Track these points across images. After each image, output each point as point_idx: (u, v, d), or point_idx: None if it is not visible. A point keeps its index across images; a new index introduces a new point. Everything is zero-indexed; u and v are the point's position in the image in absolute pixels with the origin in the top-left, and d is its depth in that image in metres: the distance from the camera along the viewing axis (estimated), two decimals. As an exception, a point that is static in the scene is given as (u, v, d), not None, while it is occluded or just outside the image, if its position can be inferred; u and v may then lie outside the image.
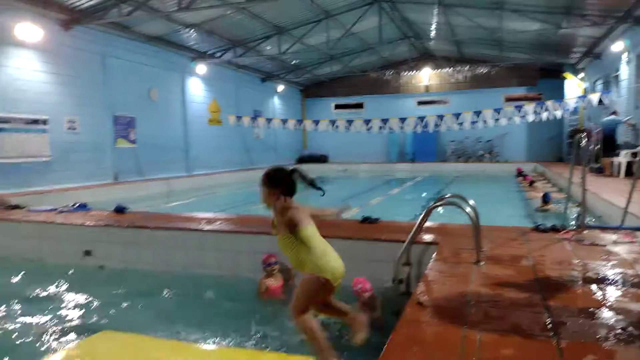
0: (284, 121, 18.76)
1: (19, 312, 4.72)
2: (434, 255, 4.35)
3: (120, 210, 7.31)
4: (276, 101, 24.81)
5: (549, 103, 16.40)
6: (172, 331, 4.10)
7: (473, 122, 16.46)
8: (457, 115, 16.43)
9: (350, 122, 17.57)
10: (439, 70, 24.72)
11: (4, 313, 4.69)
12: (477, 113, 16.20)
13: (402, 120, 16.75)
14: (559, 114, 16.75)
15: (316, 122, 18.04)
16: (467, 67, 23.94)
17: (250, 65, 21.03)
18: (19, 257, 6.56)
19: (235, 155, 20.65)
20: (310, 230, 2.87)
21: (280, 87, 24.59)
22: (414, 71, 25.33)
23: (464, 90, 24.59)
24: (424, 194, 14.40)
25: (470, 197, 4.22)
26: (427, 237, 5.00)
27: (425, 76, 25.45)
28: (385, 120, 16.94)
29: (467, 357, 2.24)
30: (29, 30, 11.39)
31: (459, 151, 24.63)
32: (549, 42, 17.15)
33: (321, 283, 2.68)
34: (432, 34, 19.64)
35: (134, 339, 3.99)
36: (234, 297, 4.97)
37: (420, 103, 25.56)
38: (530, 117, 16.84)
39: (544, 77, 22.68)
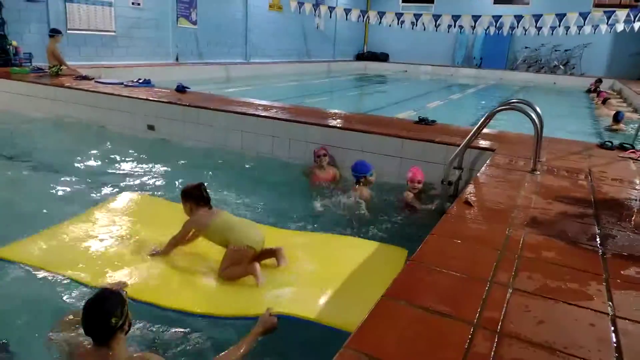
0: (347, 11, 17.78)
1: (80, 166, 5.21)
2: (488, 160, 4.28)
3: (181, 89, 7.52)
4: (341, -11, 23.37)
5: (647, 11, 14.50)
6: (225, 204, 4.41)
7: (553, 28, 14.98)
8: (537, 18, 14.93)
9: (418, 17, 16.40)
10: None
11: (64, 165, 5.17)
12: (560, 17, 14.63)
13: (476, 19, 15.46)
14: (655, 24, 14.87)
15: (381, 15, 16.97)
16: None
17: (316, -54, 19.57)
18: (87, 124, 7.05)
19: (293, 45, 20.17)
20: (217, 222, 3.18)
21: (346, -26, 23.00)
22: (496, -36, 22.77)
23: (550, -11, 22.04)
24: (485, 102, 13.78)
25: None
26: (484, 143, 4.89)
27: (508, -30, 22.85)
28: (456, 18, 15.69)
29: (509, 253, 2.30)
30: None
31: (532, 59, 22.79)
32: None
33: (242, 250, 3.06)
34: None
35: (153, 201, 4.35)
36: (283, 179, 5.19)
37: (498, 1, 23.31)
38: (620, 27, 15.06)
39: (647, -20, 19.82)
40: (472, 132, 4.19)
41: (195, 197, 3.27)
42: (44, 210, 4.08)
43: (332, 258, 3.31)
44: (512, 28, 15.41)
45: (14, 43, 9.62)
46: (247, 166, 5.65)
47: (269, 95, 11.36)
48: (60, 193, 4.53)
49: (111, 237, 3.52)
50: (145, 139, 6.53)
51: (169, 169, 5.44)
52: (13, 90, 7.95)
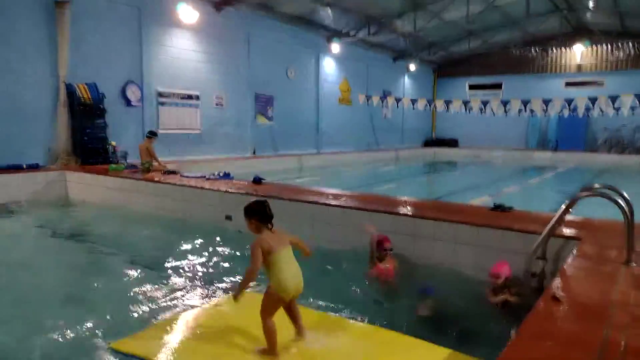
0: (414, 101, 18.36)
1: (169, 263, 5.44)
2: (574, 250, 3.99)
3: (257, 180, 7.94)
4: (406, 81, 24.38)
5: None
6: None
7: (633, 108, 14.39)
8: (614, 99, 14.48)
9: (485, 103, 16.53)
10: (595, 46, 21.92)
11: (154, 262, 5.44)
12: (639, 97, 14.09)
13: (547, 102, 15.28)
14: None
15: (448, 103, 17.32)
16: (631, 43, 20.84)
17: (382, 43, 20.87)
18: (172, 216, 7.53)
19: (362, 135, 20.90)
20: (282, 253, 3.28)
21: (412, 66, 24.04)
22: (564, 48, 22.83)
23: (624, 70, 21.55)
24: (565, 187, 13.12)
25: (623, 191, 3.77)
26: (568, 231, 4.59)
27: (577, 54, 22.78)
28: (526, 102, 15.61)
29: (609, 356, 2.06)
30: (188, 12, 12.71)
31: (613, 140, 21.75)
32: None
33: (276, 297, 3.22)
34: (591, 4, 17.42)
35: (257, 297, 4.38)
36: (354, 273, 5.08)
37: (569, 84, 23.04)
38: None
39: None
40: (554, 219, 3.97)
41: (261, 214, 3.32)
42: (150, 305, 4.22)
43: None
44: (587, 110, 15.01)
45: (113, 143, 10.83)
46: (318, 255, 5.66)
47: (338, 183, 11.65)
48: (157, 287, 4.70)
49: (219, 335, 3.55)
50: (224, 229, 6.83)
51: (241, 260, 5.56)
52: (110, 185, 8.81)
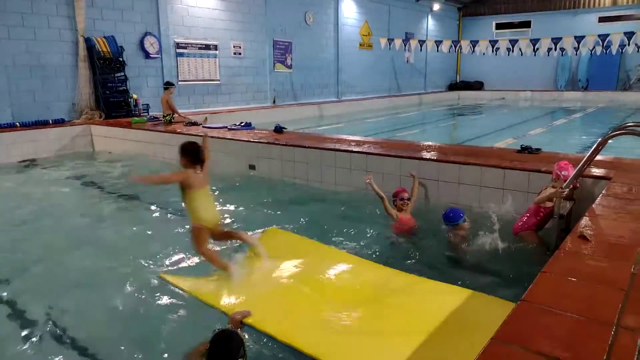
0: (438, 43, 17.69)
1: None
2: (603, 190, 3.91)
3: (279, 130, 7.91)
4: (430, 22, 23.39)
5: None
6: (317, 236, 4.53)
7: (673, 42, 13.58)
8: (652, 33, 13.65)
9: (513, 43, 15.81)
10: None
11: (181, 210, 5.55)
12: (681, 29, 13.24)
13: (579, 39, 14.52)
14: None
15: (474, 44, 16.64)
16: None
17: (404, -17, 19.95)
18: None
19: (384, 81, 20.42)
20: (200, 193, 3.74)
21: (436, 6, 22.95)
22: (599, -20, 21.39)
23: (666, 1, 20.13)
24: (595, 128, 12.70)
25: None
26: (598, 171, 4.49)
27: (614, -14, 21.33)
28: (557, 41, 14.86)
29: (637, 293, 2.05)
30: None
31: (648, 78, 20.74)
32: None
33: (199, 227, 3.68)
34: None
35: (292, 237, 4.57)
36: (376, 214, 5.11)
37: (603, 19, 21.73)
38: None
39: None
40: (584, 160, 3.86)
41: (193, 156, 3.73)
42: (182, 249, 4.40)
43: (426, 305, 3.19)
44: (621, 46, 14.24)
45: (134, 96, 10.88)
46: (340, 200, 5.72)
47: (360, 130, 11.54)
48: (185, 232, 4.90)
49: (250, 272, 3.82)
50: (248, 177, 6.92)
51: (265, 205, 5.67)
52: (134, 138, 8.93)
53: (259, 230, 4.69)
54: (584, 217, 3.16)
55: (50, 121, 9.43)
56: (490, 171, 4.97)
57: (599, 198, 3.67)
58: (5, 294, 3.58)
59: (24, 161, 8.40)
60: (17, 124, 8.91)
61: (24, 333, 3.01)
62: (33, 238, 4.80)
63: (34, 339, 2.94)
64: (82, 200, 6.47)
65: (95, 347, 2.86)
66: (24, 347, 2.88)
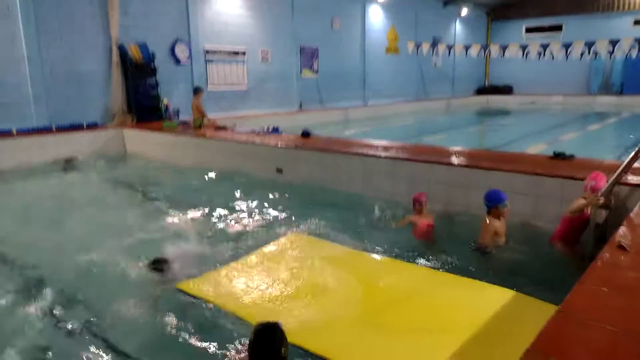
0: (467, 47, 17.47)
1: (223, 213, 5.64)
2: (642, 198, 3.79)
3: (306, 134, 7.95)
4: (458, 27, 23.15)
5: None
6: (344, 240, 4.53)
7: None
8: (692, 35, 13.15)
9: (545, 46, 15.47)
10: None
11: (210, 212, 5.65)
12: None
13: (614, 43, 14.10)
14: None
15: (504, 48, 16.36)
16: None
17: (432, -13, 19.80)
18: (225, 169, 7.75)
19: (410, 86, 20.28)
20: None
21: (464, 11, 22.69)
22: (635, -18, 20.75)
23: None
24: (631, 133, 12.30)
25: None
26: (635, 179, 4.34)
27: (650, -13, 20.67)
28: (590, 44, 14.47)
29: (680, 308, 1.98)
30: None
31: (688, 81, 19.96)
32: None
33: None
34: None
35: (316, 242, 4.56)
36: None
37: (639, 22, 21.07)
38: None
39: None
40: (621, 167, 3.76)
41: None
42: (213, 249, 4.48)
43: (465, 303, 3.15)
44: (660, 49, 13.75)
45: (165, 101, 11.11)
46: (367, 205, 5.70)
47: (387, 135, 11.48)
48: (216, 233, 4.97)
49: (272, 278, 3.75)
50: (275, 180, 6.97)
51: (293, 209, 5.69)
52: (164, 142, 9.12)
53: (282, 236, 4.71)
54: (622, 226, 3.07)
55: (85, 125, 9.72)
56: (522, 178, 4.87)
57: (637, 207, 3.56)
58: (42, 286, 3.69)
59: (59, 162, 8.67)
60: (54, 127, 9.22)
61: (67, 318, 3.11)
62: (67, 233, 4.97)
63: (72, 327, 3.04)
64: (113, 200, 6.64)
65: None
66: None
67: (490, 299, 3.17)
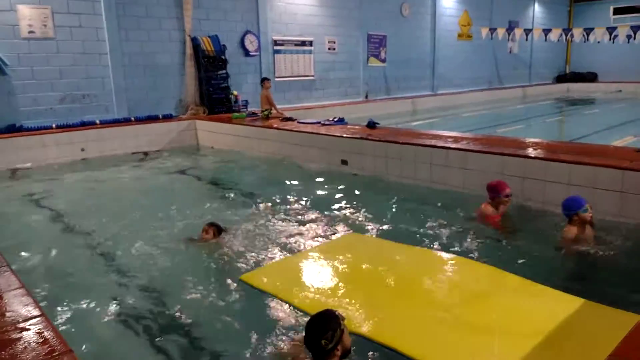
0: (546, 31, 16.37)
1: (289, 204, 5.67)
2: None
3: (372, 125, 7.83)
4: (536, 9, 21.71)
5: None
6: (409, 234, 4.40)
7: None
8: None
9: (636, 29, 14.13)
10: None
11: (275, 202, 5.71)
12: None
13: None
14: None
15: (588, 31, 15.15)
16: None
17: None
18: (290, 160, 7.83)
19: (484, 73, 19.37)
20: None
21: (544, -8, 21.27)
22: None
23: None
24: None
25: None
26: None
27: None
28: (691, 24, 13.02)
29: None
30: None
31: None
32: None
33: None
34: None
35: (375, 240, 4.45)
36: (471, 216, 4.85)
37: None
38: None
39: None
40: None
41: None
42: (275, 239, 4.52)
43: (535, 309, 2.96)
44: None
45: (235, 92, 11.40)
46: (435, 198, 5.51)
47: (457, 126, 11.06)
48: (278, 223, 4.99)
49: (333, 273, 3.73)
50: (340, 172, 6.93)
51: (357, 203, 5.61)
52: (234, 133, 9.37)
53: (343, 233, 4.63)
54: None
55: (160, 116, 10.22)
56: (606, 172, 4.48)
57: None
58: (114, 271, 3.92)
59: (137, 153, 9.20)
60: (132, 118, 9.79)
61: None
62: (141, 218, 5.25)
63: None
64: (186, 189, 6.93)
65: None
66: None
67: (566, 308, 2.95)
